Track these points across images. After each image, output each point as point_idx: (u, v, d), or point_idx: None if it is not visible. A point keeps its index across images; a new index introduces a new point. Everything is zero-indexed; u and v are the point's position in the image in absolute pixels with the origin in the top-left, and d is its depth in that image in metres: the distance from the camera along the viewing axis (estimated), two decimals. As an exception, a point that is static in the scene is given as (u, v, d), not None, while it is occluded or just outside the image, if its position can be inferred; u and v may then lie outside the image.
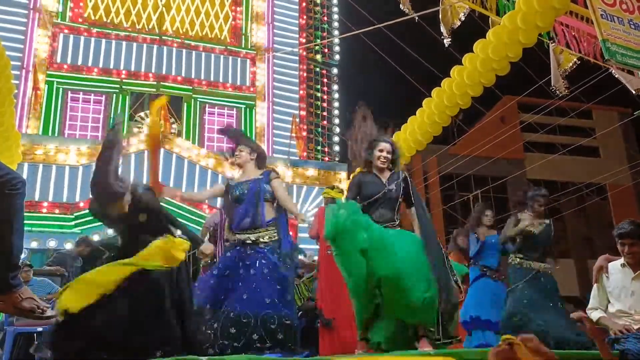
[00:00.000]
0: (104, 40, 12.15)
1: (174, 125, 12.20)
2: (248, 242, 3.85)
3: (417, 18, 8.58)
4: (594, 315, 3.67)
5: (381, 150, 3.89)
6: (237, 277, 3.75)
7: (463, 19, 8.30)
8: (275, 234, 3.91)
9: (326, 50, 14.15)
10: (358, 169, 4.14)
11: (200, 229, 6.21)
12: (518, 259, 5.23)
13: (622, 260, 3.61)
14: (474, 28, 8.54)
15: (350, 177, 4.27)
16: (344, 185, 11.91)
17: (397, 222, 3.78)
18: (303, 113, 13.23)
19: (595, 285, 3.72)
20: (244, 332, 3.50)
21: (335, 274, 5.16)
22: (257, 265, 3.76)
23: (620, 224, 3.57)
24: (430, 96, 8.17)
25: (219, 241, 5.62)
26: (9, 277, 2.11)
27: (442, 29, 8.27)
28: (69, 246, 8.75)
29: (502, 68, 6.75)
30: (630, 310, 3.47)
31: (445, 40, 8.23)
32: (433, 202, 20.99)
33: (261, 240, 3.85)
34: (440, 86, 7.83)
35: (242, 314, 3.56)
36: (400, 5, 8.75)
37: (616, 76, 7.35)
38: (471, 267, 6.04)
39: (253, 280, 3.69)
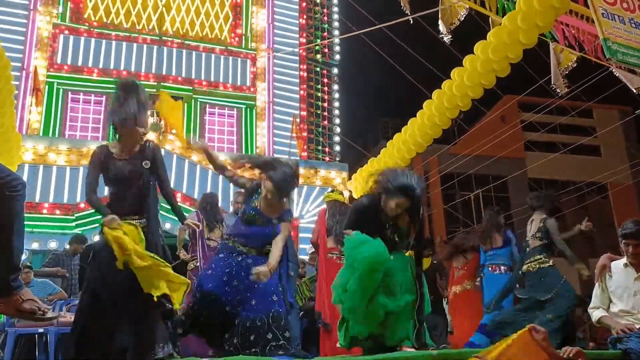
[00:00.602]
0: (104, 41, 12.14)
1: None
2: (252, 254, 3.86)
3: (411, 19, 8.58)
4: (596, 314, 3.66)
5: (397, 205, 3.53)
6: (244, 287, 3.75)
7: (462, 18, 8.31)
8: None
9: (326, 50, 14.15)
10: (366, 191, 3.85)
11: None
12: (550, 260, 5.09)
13: (624, 259, 3.60)
14: (474, 27, 8.55)
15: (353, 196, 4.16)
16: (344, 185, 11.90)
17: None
18: (303, 113, 13.21)
19: (597, 284, 3.71)
20: (259, 333, 3.58)
21: (333, 278, 5.17)
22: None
23: (625, 223, 3.57)
24: (431, 96, 8.17)
25: (199, 242, 5.64)
26: (9, 279, 2.11)
27: (442, 29, 8.28)
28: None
29: (503, 69, 6.75)
30: (633, 310, 3.47)
31: (445, 38, 8.24)
32: (434, 201, 20.99)
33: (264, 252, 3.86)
34: (440, 86, 7.83)
35: (257, 317, 3.63)
36: (402, 5, 8.76)
37: (617, 75, 7.35)
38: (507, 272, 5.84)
39: (261, 284, 3.72)
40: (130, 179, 3.37)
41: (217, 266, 3.86)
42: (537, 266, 5.08)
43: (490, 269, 5.87)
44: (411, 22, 8.65)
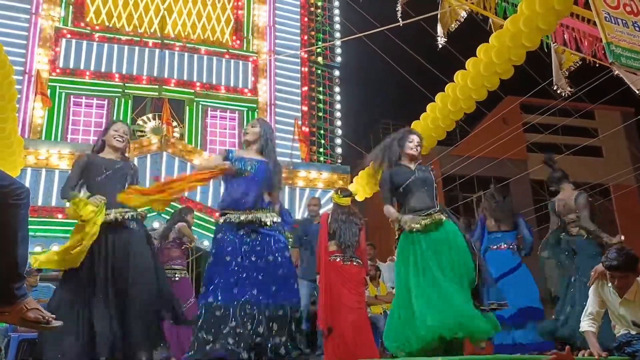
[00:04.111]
0: (106, 45, 12.15)
1: (177, 129, 12.19)
2: (254, 222, 3.60)
3: (402, 21, 8.58)
4: (583, 325, 3.56)
5: (411, 141, 4.14)
6: (255, 267, 3.52)
7: (462, 20, 8.31)
8: (276, 217, 3.77)
9: (328, 52, 14.14)
10: (381, 170, 4.27)
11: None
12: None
13: None
14: (475, 30, 8.54)
15: (377, 177, 4.34)
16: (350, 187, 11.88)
17: (439, 208, 3.92)
18: (305, 116, 13.21)
19: (592, 288, 3.61)
20: (282, 325, 3.41)
21: (335, 281, 5.15)
22: (271, 250, 3.59)
23: (608, 253, 3.35)
24: (433, 99, 8.16)
25: None
26: (14, 287, 2.09)
27: (439, 31, 8.29)
28: (72, 251, 8.76)
29: (506, 71, 6.74)
30: (626, 330, 3.43)
31: (440, 42, 8.25)
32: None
33: (266, 221, 3.66)
34: (443, 88, 7.83)
35: (279, 306, 3.46)
36: (398, 7, 8.75)
37: (620, 76, 7.32)
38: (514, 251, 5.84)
39: (280, 268, 3.57)
40: None
41: (217, 249, 3.58)
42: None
43: (492, 247, 5.86)
44: (401, 22, 8.65)
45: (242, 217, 3.59)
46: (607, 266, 3.31)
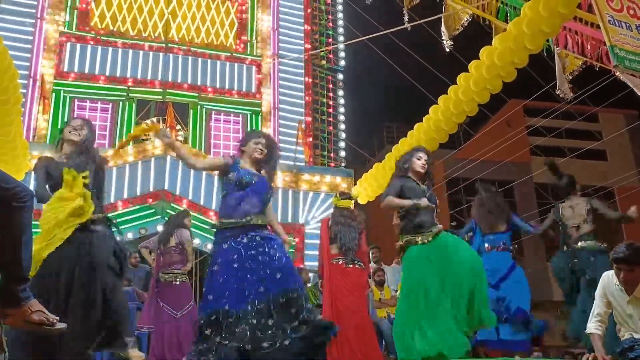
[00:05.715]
0: (110, 49, 12.20)
1: (181, 132, 12.22)
2: (255, 227, 3.69)
3: (413, 25, 8.60)
4: (590, 327, 3.55)
5: (419, 158, 4.37)
6: (259, 265, 3.63)
7: (466, 24, 8.33)
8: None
9: (331, 55, 14.16)
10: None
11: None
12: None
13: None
14: (478, 33, 8.56)
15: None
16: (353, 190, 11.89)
17: (440, 227, 4.35)
18: (309, 119, 13.22)
19: (598, 289, 3.60)
20: (300, 305, 3.52)
21: (339, 284, 5.16)
22: (272, 247, 3.71)
23: (617, 246, 3.39)
24: (436, 102, 8.18)
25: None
26: (18, 290, 2.11)
27: (444, 35, 8.31)
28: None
29: (509, 74, 6.74)
30: (632, 331, 3.40)
31: (447, 46, 8.27)
32: (440, 206, 20.90)
33: (263, 224, 3.78)
34: (446, 92, 7.84)
35: (290, 290, 3.55)
36: (404, 12, 8.79)
37: (623, 80, 7.31)
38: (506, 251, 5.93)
39: (278, 262, 3.68)
40: None
41: (223, 258, 3.66)
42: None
43: (487, 247, 5.88)
44: (408, 26, 8.68)
45: (241, 224, 3.69)
46: (614, 258, 3.35)
